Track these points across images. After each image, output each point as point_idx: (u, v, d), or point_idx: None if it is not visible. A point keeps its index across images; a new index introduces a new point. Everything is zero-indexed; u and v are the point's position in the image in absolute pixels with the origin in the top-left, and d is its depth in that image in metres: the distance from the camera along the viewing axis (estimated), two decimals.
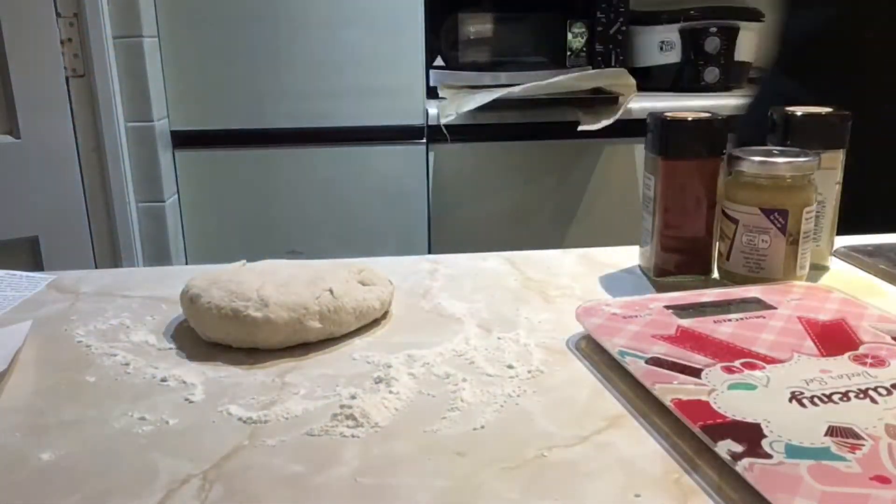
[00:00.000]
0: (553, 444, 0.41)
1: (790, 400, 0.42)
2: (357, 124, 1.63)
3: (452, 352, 0.53)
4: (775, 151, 0.62)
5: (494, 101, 1.53)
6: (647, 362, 0.47)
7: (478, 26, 1.77)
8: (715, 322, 0.52)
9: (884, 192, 0.89)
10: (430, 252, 1.70)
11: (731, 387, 0.44)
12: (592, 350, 0.53)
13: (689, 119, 0.64)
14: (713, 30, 1.79)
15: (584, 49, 1.77)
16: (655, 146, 0.65)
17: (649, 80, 1.83)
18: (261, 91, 1.60)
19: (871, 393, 0.42)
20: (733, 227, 0.63)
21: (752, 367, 0.46)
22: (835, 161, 0.66)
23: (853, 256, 0.71)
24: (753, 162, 0.61)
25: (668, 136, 0.64)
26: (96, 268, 1.53)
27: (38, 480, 0.39)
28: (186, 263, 1.69)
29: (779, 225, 0.61)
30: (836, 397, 0.42)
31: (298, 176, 1.65)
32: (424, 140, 1.64)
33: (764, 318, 0.53)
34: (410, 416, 0.45)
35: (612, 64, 1.77)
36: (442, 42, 1.74)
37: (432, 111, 1.59)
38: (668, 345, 0.49)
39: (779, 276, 0.62)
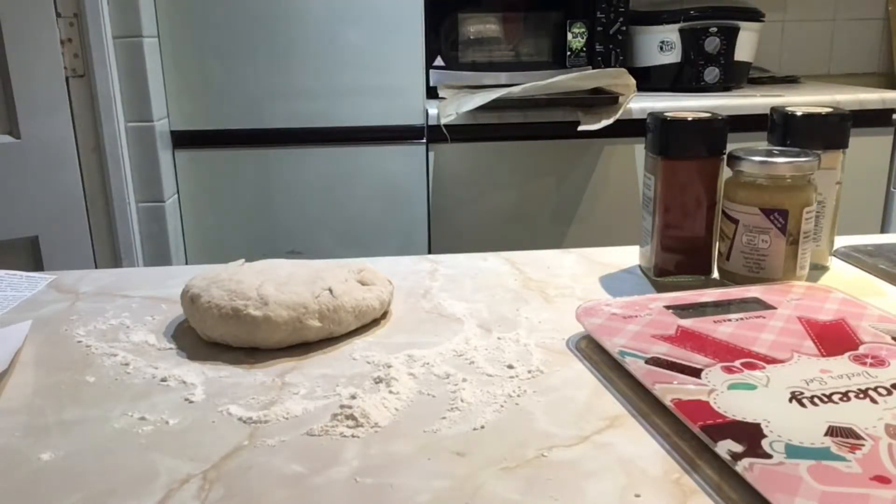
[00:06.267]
0: (553, 444, 0.41)
1: (790, 400, 0.42)
2: (357, 124, 1.63)
3: (452, 352, 0.53)
4: (775, 151, 0.62)
5: (494, 101, 1.53)
6: (647, 362, 0.47)
7: (478, 26, 1.77)
8: (715, 322, 0.52)
9: None
10: (430, 252, 1.70)
11: (731, 387, 0.44)
12: (592, 350, 0.53)
13: (689, 119, 0.64)
14: (713, 30, 1.79)
15: (584, 49, 1.77)
16: (655, 146, 0.65)
17: (649, 80, 1.83)
18: (260, 91, 1.60)
19: (871, 393, 0.42)
20: (733, 227, 0.63)
21: (752, 367, 0.46)
22: (835, 161, 0.66)
23: (853, 256, 0.71)
24: (753, 162, 0.61)
25: (668, 136, 0.64)
26: (96, 268, 1.53)
27: (38, 480, 0.39)
28: (186, 263, 1.69)
29: (779, 225, 0.61)
30: (836, 397, 0.42)
31: (298, 176, 1.65)
32: (424, 140, 1.64)
33: (764, 318, 0.53)
34: (410, 416, 0.45)
35: (612, 64, 1.77)
36: (442, 42, 1.75)
37: (432, 111, 1.59)
38: (668, 345, 0.49)
39: (779, 276, 0.62)
